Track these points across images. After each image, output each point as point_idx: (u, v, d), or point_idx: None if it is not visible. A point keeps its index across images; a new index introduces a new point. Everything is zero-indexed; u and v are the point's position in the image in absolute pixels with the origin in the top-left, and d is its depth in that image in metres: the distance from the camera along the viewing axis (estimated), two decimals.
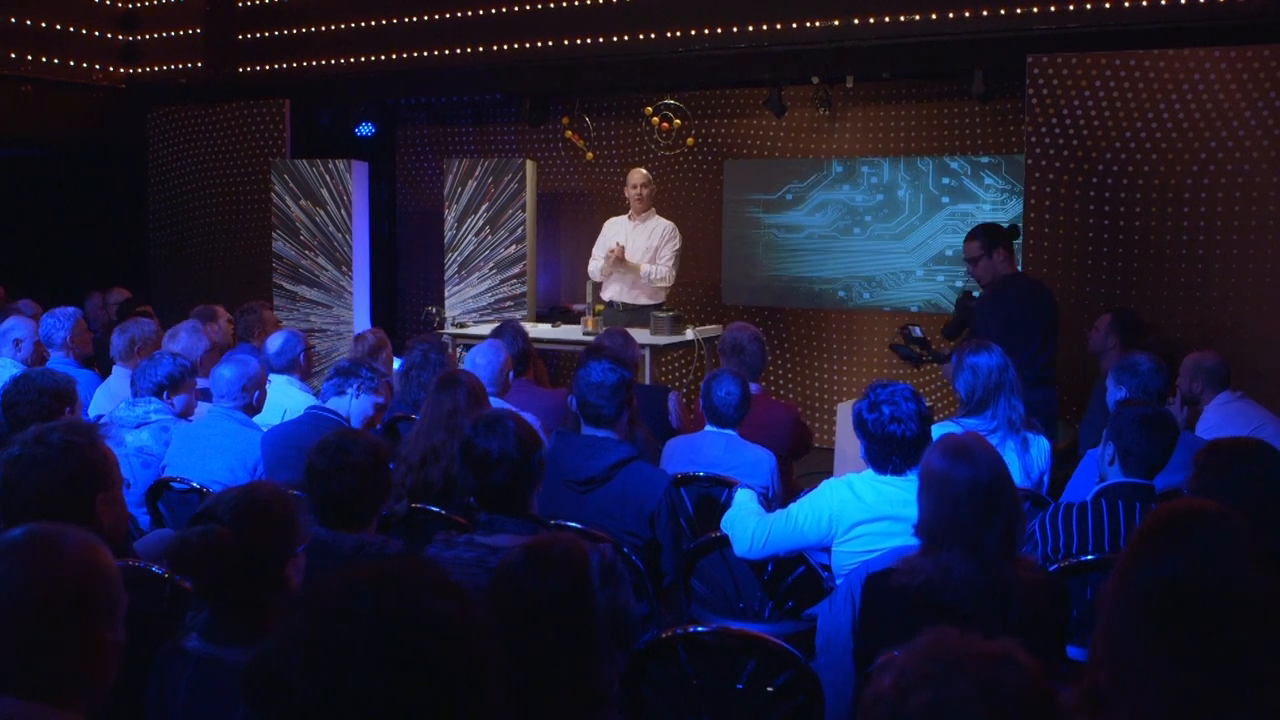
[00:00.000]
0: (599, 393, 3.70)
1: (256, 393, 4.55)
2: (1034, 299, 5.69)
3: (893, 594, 2.65)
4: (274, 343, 5.27)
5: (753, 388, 5.16)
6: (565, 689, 1.91)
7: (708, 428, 4.40)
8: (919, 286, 8.50)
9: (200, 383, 4.92)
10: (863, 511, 3.35)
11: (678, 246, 7.75)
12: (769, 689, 2.70)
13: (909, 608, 2.61)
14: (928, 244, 8.45)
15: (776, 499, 4.26)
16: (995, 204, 8.24)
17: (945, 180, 8.36)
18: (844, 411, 6.43)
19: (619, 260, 7.57)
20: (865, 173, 8.62)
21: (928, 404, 3.48)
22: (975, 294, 6.24)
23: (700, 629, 2.73)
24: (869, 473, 3.44)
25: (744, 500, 3.61)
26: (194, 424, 4.54)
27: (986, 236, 5.78)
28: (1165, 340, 6.39)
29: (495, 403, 4.79)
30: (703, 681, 2.73)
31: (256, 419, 4.70)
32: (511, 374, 5.46)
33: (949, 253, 8.27)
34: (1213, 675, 1.71)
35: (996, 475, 2.63)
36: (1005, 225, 6.20)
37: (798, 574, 3.59)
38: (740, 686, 2.69)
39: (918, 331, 6.01)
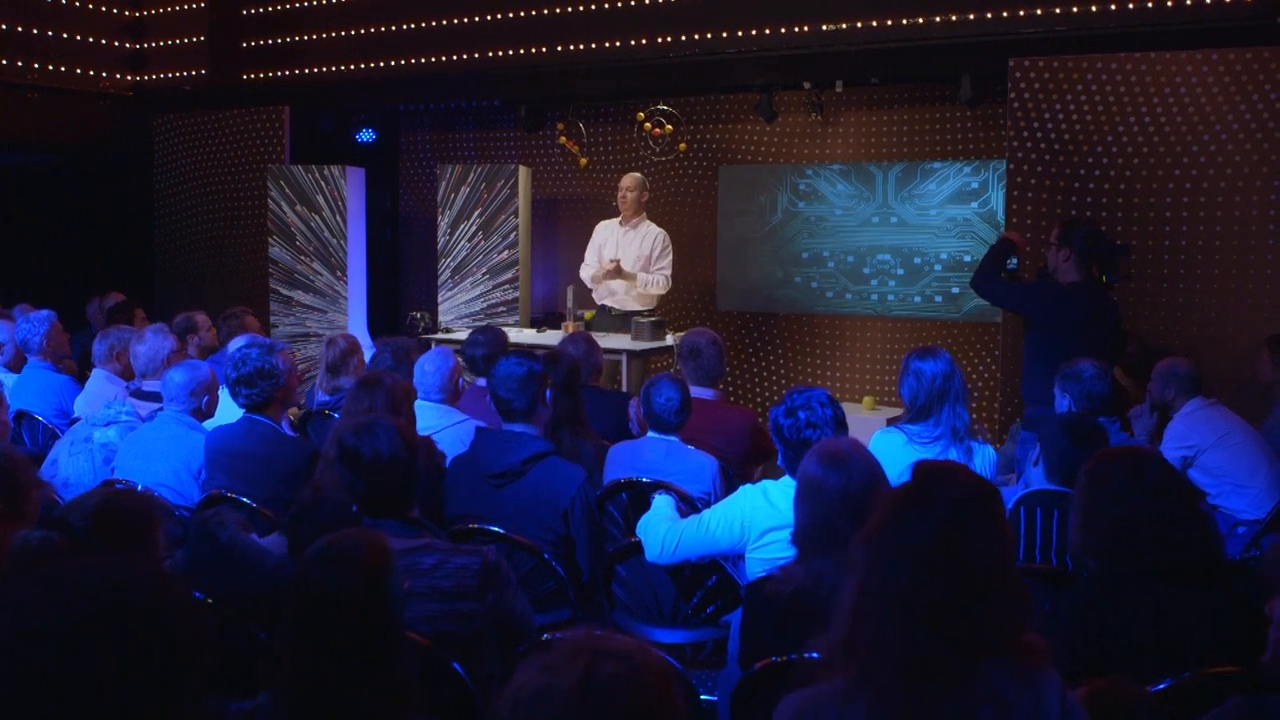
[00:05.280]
0: (508, 385, 3.69)
1: (206, 398, 4.58)
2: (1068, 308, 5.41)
3: (768, 601, 2.62)
4: (234, 347, 5.32)
5: (711, 393, 5.14)
6: (363, 686, 1.90)
7: (649, 434, 4.38)
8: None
9: (153, 385, 4.98)
10: (774, 518, 3.32)
11: (672, 255, 7.85)
12: None
13: (782, 615, 2.58)
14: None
15: None
16: (844, 210, 8.50)
17: (802, 185, 8.66)
18: None
19: (616, 271, 7.63)
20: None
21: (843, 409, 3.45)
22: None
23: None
24: (785, 479, 3.42)
25: (660, 506, 3.59)
26: (144, 427, 4.59)
27: (1064, 230, 5.52)
28: (1144, 346, 6.29)
29: (445, 410, 4.81)
30: None
31: (219, 421, 4.75)
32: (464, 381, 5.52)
33: (805, 255, 8.71)
34: (942, 646, 1.70)
35: (870, 483, 2.59)
36: (1118, 245, 5.84)
37: (714, 581, 3.56)
38: None
39: (1013, 264, 5.76)
